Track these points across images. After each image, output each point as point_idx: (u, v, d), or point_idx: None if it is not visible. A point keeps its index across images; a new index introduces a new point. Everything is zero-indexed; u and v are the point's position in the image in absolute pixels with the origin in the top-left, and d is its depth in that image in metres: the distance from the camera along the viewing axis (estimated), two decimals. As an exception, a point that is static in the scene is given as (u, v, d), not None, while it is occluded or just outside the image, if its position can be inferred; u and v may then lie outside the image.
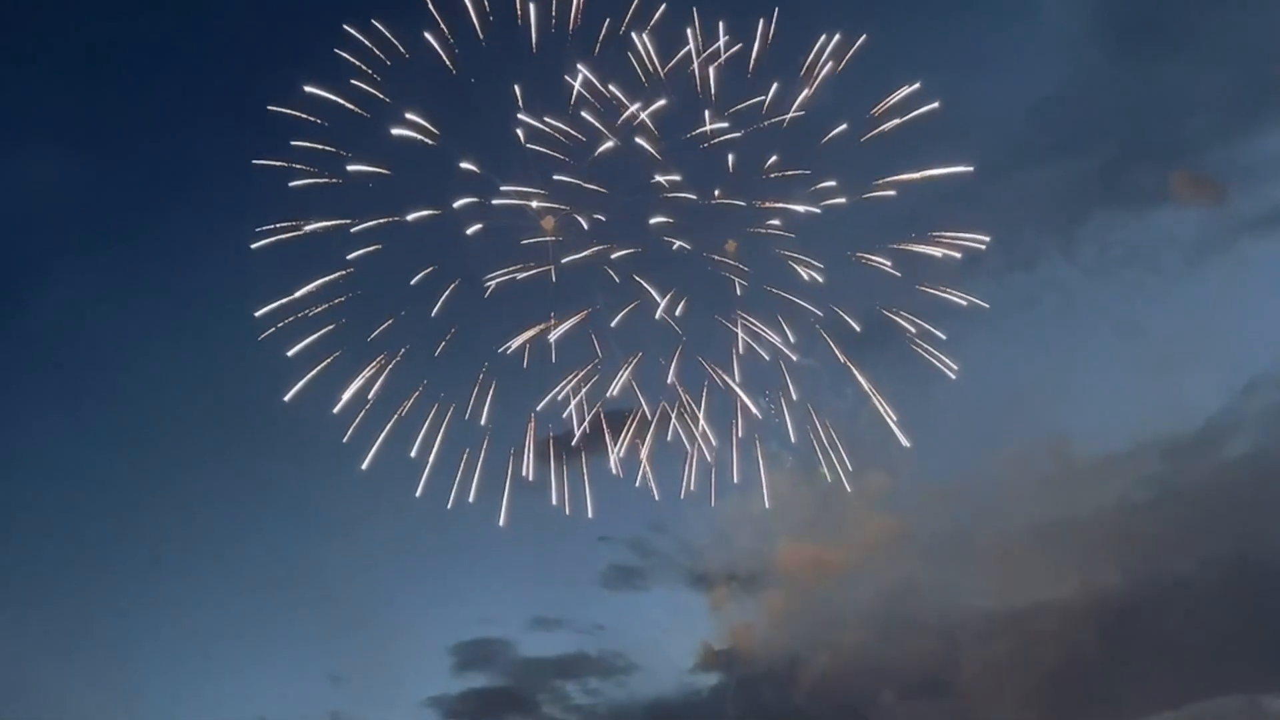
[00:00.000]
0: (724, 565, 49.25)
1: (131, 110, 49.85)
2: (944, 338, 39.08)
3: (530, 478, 41.47)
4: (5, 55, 48.88)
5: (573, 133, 40.73)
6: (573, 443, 41.19)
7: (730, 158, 40.80)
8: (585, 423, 41.10)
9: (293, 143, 38.59)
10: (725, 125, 40.42)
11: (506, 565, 48.99)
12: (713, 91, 41.05)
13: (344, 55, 38.53)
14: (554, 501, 40.84)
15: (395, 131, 39.90)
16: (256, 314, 38.31)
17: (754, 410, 40.99)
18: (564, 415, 41.22)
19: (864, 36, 39.08)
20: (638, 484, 41.74)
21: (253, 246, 38.31)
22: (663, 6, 38.42)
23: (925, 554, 48.23)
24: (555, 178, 41.18)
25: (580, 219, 40.17)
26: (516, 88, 40.68)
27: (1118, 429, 48.77)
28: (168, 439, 49.96)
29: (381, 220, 39.68)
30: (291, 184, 38.57)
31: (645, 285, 40.77)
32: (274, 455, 49.46)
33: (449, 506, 39.46)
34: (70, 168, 48.29)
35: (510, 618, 50.07)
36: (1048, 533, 47.68)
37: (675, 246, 40.98)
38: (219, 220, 47.03)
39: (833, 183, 40.82)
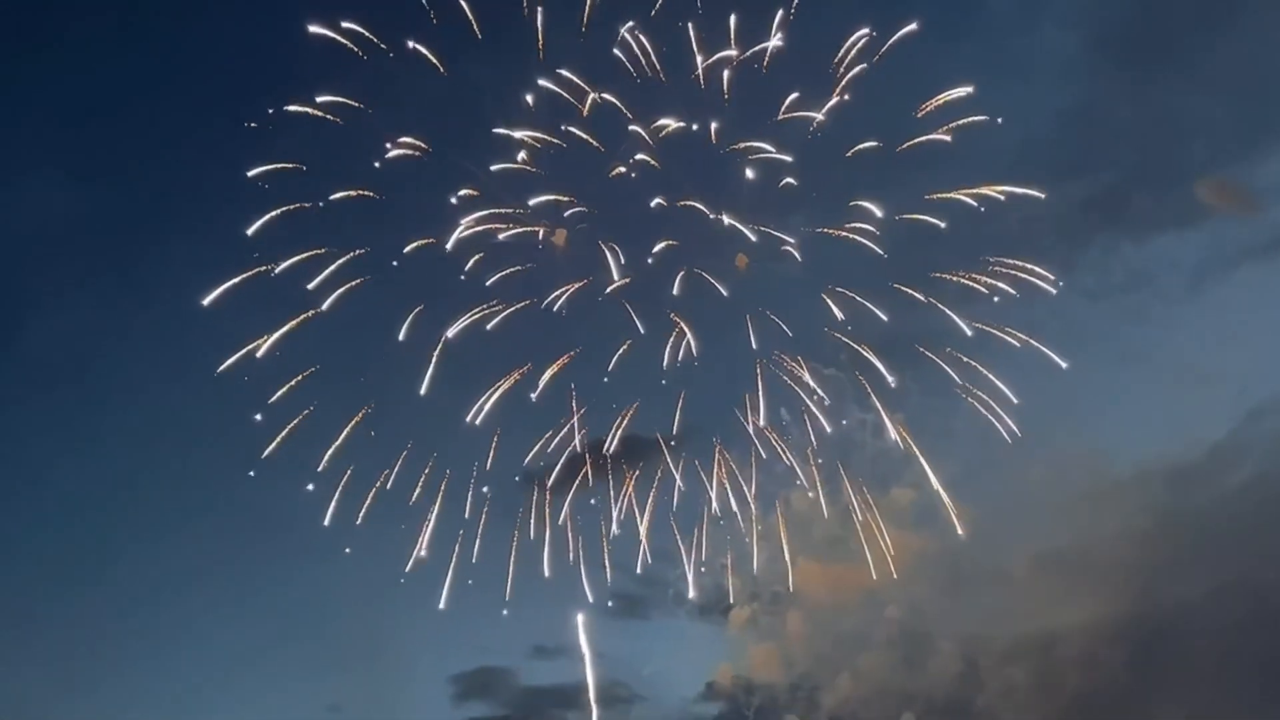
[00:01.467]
0: (734, 590, 48.68)
1: (128, 142, 50.28)
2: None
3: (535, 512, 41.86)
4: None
5: (589, 140, 40.90)
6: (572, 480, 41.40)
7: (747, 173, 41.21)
8: (612, 441, 41.19)
9: (256, 171, 39.03)
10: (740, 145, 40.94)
11: (502, 592, 48.91)
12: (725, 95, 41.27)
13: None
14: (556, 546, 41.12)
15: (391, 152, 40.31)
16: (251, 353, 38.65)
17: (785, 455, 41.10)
18: (573, 447, 41.48)
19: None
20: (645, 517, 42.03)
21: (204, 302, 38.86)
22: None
23: (941, 576, 47.84)
24: (560, 198, 41.45)
25: (608, 253, 40.26)
26: (528, 98, 41.09)
27: (1121, 455, 48.80)
28: (166, 466, 49.80)
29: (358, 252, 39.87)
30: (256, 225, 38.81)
31: (679, 322, 40.88)
32: (273, 483, 49.14)
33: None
34: (66, 197, 48.67)
35: (511, 647, 49.58)
36: (1052, 559, 47.55)
37: (680, 275, 41.26)
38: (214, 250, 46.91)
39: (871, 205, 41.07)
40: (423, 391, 39.79)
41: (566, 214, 41.42)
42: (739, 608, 47.47)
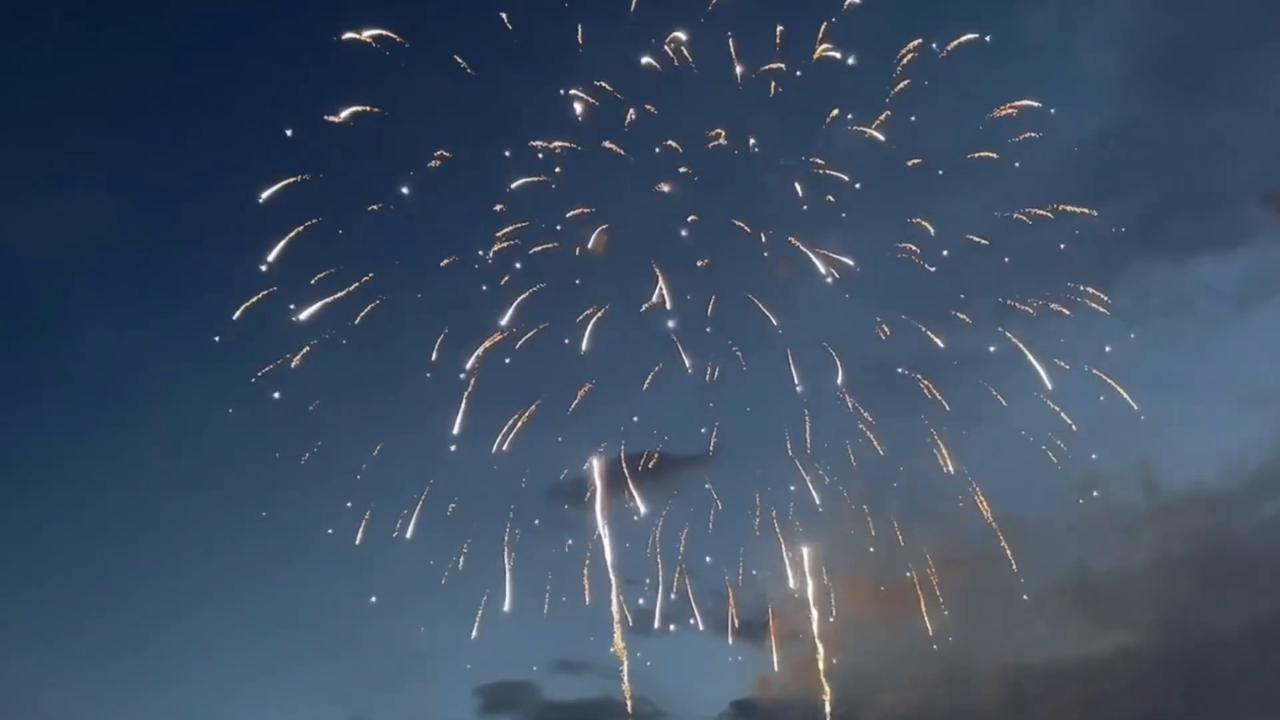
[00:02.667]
0: (771, 607, 48.21)
1: (162, 157, 50.44)
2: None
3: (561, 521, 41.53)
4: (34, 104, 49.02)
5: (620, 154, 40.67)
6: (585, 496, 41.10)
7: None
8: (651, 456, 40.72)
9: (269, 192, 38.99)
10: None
11: (531, 606, 48.58)
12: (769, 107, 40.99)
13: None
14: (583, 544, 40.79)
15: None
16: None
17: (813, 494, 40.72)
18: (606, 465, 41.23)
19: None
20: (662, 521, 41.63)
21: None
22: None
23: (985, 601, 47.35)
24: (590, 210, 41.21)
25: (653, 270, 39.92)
26: (569, 106, 40.89)
27: (1159, 482, 48.28)
28: (189, 476, 49.53)
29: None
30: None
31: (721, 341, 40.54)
32: (297, 493, 48.96)
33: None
34: (97, 210, 48.60)
35: (536, 660, 49.12)
36: (1091, 586, 47.07)
37: (720, 294, 40.99)
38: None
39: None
40: (456, 428, 39.67)
41: (601, 228, 41.13)
42: (775, 624, 46.94)
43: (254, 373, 40.47)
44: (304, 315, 39.34)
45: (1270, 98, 50.44)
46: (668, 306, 40.75)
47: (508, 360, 40.94)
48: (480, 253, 41.15)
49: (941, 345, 43.03)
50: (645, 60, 40.68)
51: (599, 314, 40.70)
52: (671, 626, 48.16)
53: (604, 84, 41.00)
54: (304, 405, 40.79)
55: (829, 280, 41.86)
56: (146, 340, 49.36)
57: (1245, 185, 50.64)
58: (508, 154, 40.87)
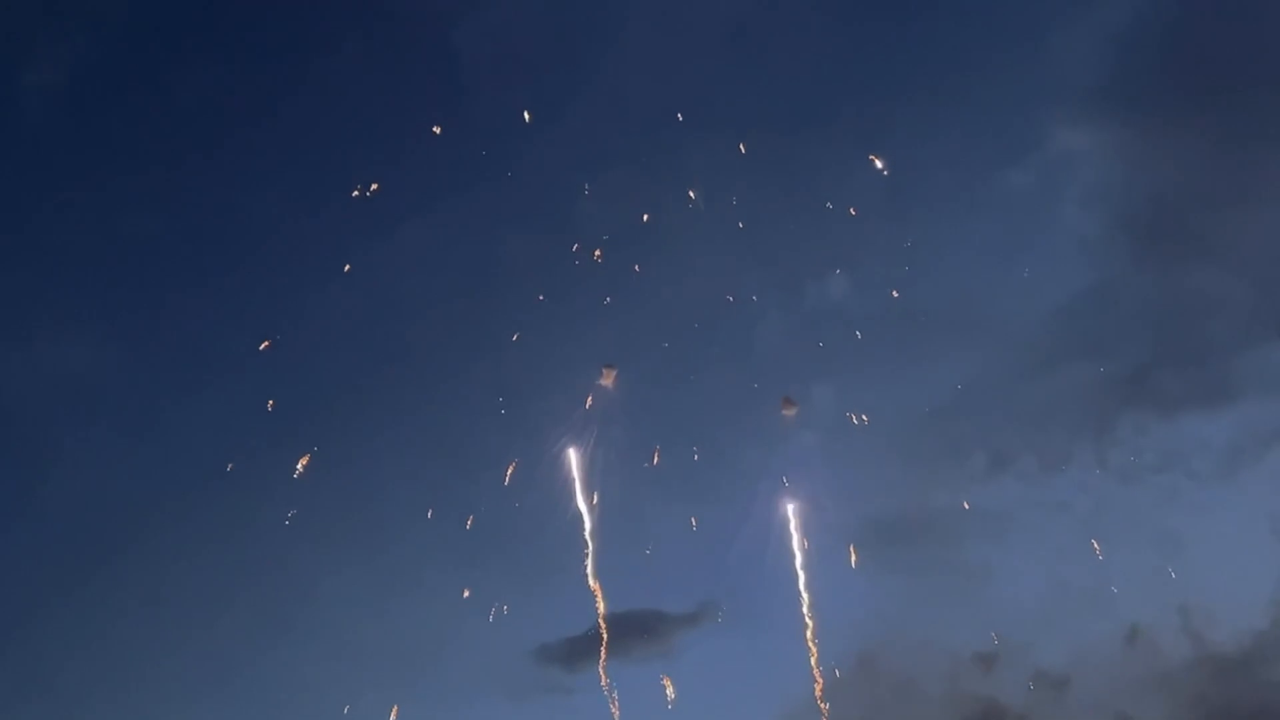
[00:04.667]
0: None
1: (151, 302, 51.92)
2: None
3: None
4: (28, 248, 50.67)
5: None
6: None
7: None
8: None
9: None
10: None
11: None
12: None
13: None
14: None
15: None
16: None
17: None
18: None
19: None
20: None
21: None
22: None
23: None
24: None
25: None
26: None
27: (1158, 644, 46.93)
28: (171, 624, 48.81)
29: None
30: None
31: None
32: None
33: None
34: (88, 353, 49.90)
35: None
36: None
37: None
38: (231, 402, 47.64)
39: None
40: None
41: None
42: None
43: (249, 520, 40.61)
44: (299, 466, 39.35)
45: (1249, 255, 51.40)
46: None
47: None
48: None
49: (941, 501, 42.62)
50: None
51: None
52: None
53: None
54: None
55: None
56: (137, 482, 49.86)
57: (1230, 342, 51.06)
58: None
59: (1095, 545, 44.01)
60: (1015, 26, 53.33)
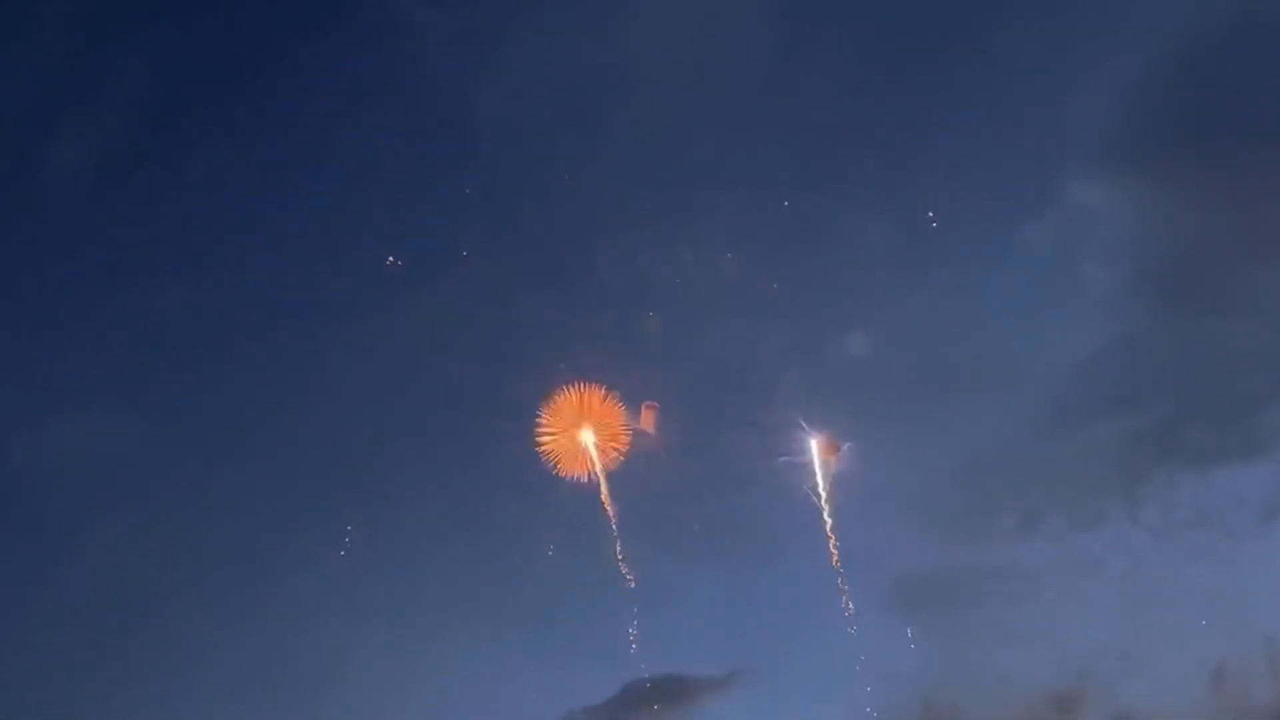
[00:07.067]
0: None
1: (177, 377, 51.95)
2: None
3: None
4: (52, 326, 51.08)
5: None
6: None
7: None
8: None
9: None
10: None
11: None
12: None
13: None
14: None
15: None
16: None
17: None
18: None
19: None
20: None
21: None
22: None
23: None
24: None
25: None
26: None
27: (1193, 706, 45.90)
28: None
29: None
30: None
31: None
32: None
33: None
34: (111, 430, 49.74)
35: None
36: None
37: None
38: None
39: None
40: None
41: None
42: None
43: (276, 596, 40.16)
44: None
45: (1272, 306, 50.79)
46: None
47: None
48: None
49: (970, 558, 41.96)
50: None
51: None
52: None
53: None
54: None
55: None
56: (160, 560, 49.18)
57: (1258, 396, 50.14)
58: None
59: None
60: (1032, 83, 53.24)
